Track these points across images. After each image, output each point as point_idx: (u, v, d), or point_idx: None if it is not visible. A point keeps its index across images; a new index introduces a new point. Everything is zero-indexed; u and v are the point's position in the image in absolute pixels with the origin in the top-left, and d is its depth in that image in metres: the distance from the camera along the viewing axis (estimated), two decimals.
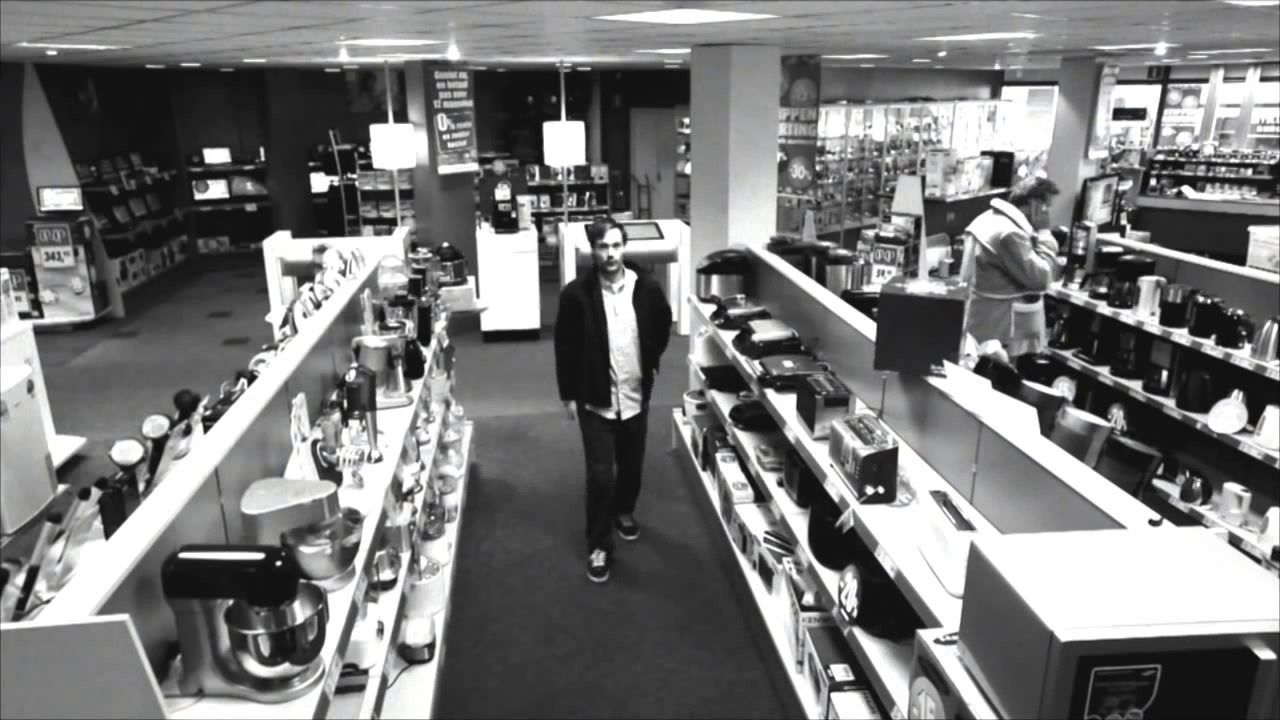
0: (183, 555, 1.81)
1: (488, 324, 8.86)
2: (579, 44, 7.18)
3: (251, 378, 3.16)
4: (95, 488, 2.29)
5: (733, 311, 5.11)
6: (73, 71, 10.21)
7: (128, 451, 2.42)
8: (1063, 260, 5.95)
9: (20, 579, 2.10)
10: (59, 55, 7.73)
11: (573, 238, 8.43)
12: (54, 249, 9.16)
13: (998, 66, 14.80)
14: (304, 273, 5.91)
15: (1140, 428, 5.33)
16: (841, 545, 3.07)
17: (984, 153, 12.54)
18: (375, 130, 8.94)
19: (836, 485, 3.05)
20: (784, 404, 3.82)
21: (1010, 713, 1.62)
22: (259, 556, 1.83)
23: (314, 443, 2.85)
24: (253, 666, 1.86)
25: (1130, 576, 1.65)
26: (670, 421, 6.28)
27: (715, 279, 5.71)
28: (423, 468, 4.01)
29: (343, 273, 4.72)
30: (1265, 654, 1.46)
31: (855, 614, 2.86)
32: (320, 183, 13.04)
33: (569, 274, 8.51)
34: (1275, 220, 8.73)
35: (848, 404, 3.47)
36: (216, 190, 12.63)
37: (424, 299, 4.85)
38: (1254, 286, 5.05)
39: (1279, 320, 4.51)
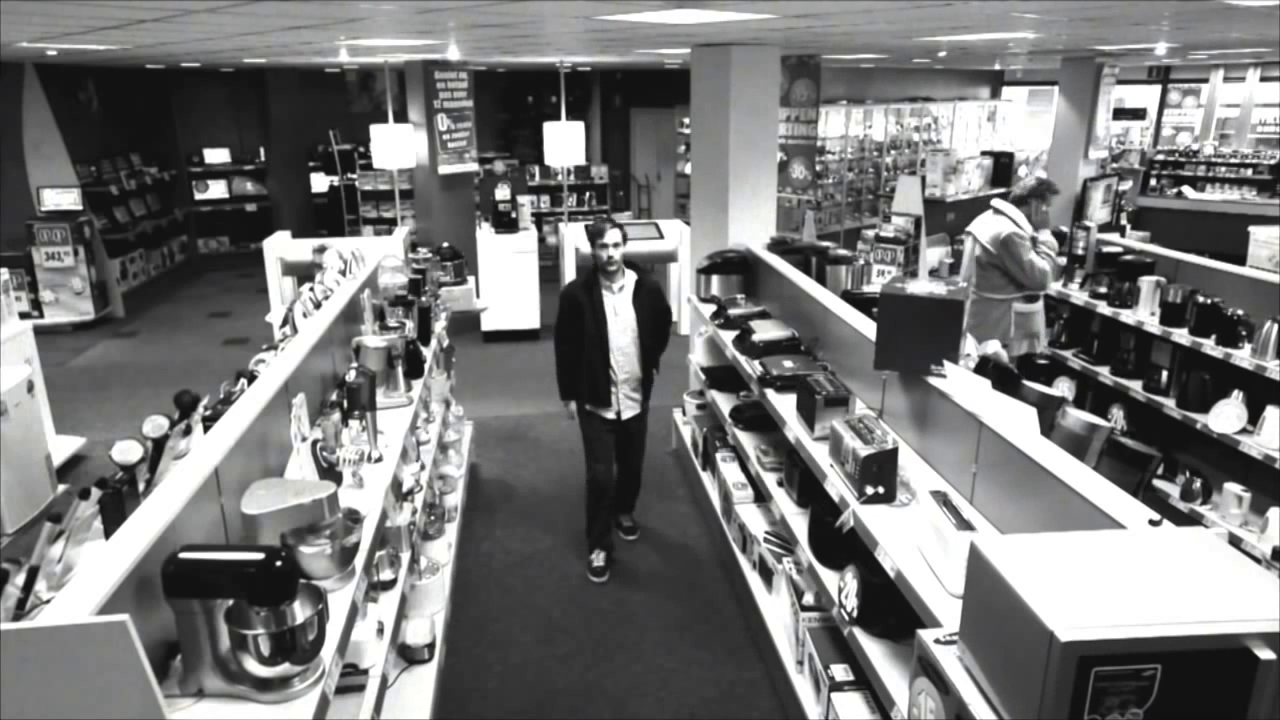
0: (183, 555, 1.81)
1: (488, 324, 8.86)
2: (579, 44, 7.18)
3: (251, 378, 3.16)
4: (95, 488, 2.29)
5: (733, 311, 5.11)
6: (73, 71, 10.21)
7: (128, 451, 2.42)
8: (1062, 260, 5.95)
9: (20, 579, 2.10)
10: (59, 55, 7.73)
11: (573, 238, 8.43)
12: (54, 249, 9.17)
13: (998, 66, 14.80)
14: (304, 273, 5.92)
15: (1140, 428, 5.33)
16: (841, 545, 3.07)
17: (984, 153, 12.54)
18: (375, 130, 8.94)
19: (836, 485, 3.05)
20: (784, 404, 3.83)
21: (1010, 713, 1.62)
22: (259, 556, 1.83)
23: (314, 443, 2.85)
24: (253, 666, 1.86)
25: (1130, 576, 1.65)
26: (670, 421, 6.28)
27: (715, 279, 5.71)
28: (423, 468, 4.01)
29: (343, 273, 4.72)
30: (1265, 654, 1.46)
31: (855, 614, 2.86)
32: (320, 183, 13.04)
33: (569, 274, 8.51)
34: (1275, 220, 8.73)
35: (848, 404, 3.47)
36: (216, 190, 12.64)
37: (424, 299, 4.85)
38: (1254, 286, 5.05)
39: (1279, 320, 4.51)
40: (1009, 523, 2.61)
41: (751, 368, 4.31)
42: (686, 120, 12.31)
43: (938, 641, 1.88)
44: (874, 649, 2.78)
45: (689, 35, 5.63)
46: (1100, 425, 2.84)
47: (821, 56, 8.26)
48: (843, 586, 2.96)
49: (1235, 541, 4.13)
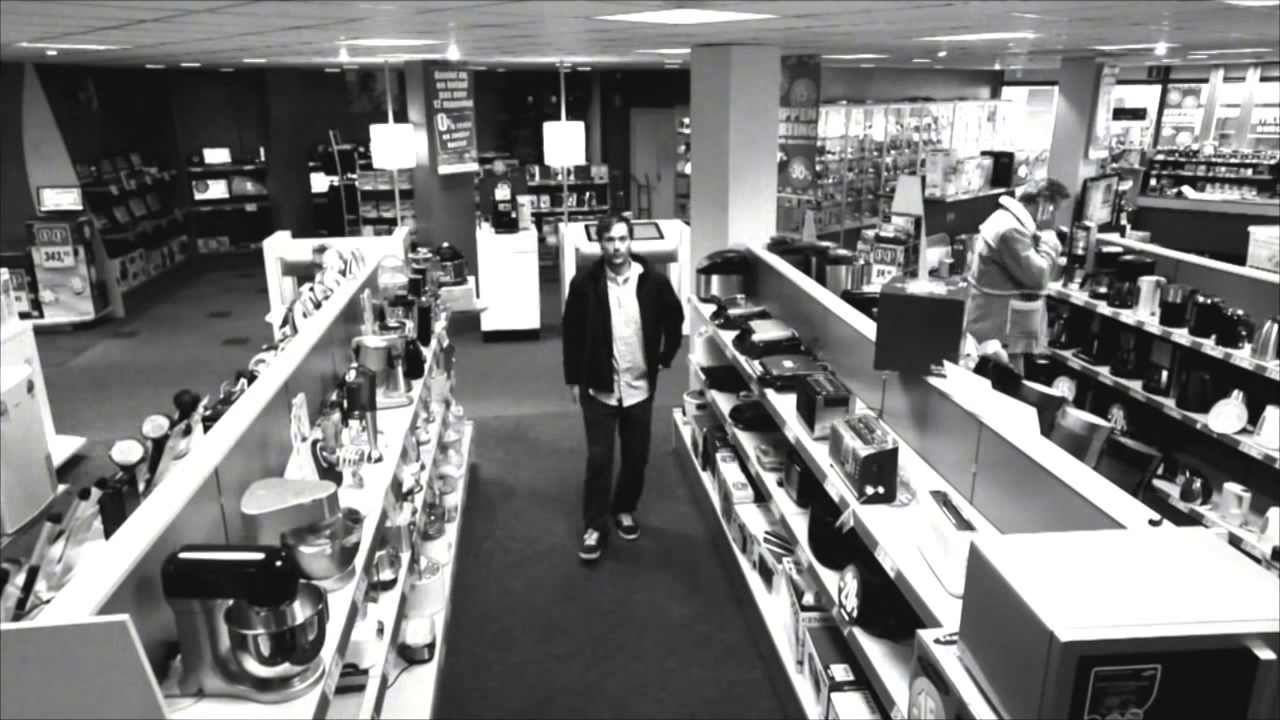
0: (183, 555, 1.81)
1: (488, 324, 8.86)
2: (579, 44, 7.18)
3: (251, 378, 3.16)
4: (95, 488, 2.29)
5: (733, 311, 5.11)
6: (73, 71, 10.21)
7: (128, 451, 2.42)
8: (1063, 261, 5.96)
9: (20, 579, 2.10)
10: (59, 55, 7.74)
11: (573, 238, 8.43)
12: (54, 249, 9.16)
13: (998, 66, 14.80)
14: (304, 273, 5.91)
15: (1140, 428, 5.33)
16: (841, 545, 3.07)
17: (984, 153, 12.54)
18: (375, 130, 8.94)
19: (836, 485, 3.05)
20: (784, 404, 3.83)
21: (1010, 713, 1.62)
22: (259, 556, 1.83)
23: (314, 443, 2.85)
24: (253, 666, 1.86)
25: (1130, 576, 1.65)
26: (670, 421, 6.28)
27: (715, 279, 5.71)
28: (423, 468, 4.01)
29: (343, 273, 4.72)
30: (1265, 654, 1.46)
31: (855, 614, 2.86)
32: (320, 183, 13.04)
33: (569, 274, 8.51)
34: (1275, 220, 8.73)
35: (848, 404, 3.47)
36: (216, 190, 12.63)
37: (424, 299, 4.85)
38: (1254, 286, 5.05)
39: (1279, 320, 4.51)
40: (1009, 523, 2.61)
41: (751, 368, 4.31)
42: (686, 120, 12.31)
43: (938, 641, 1.88)
44: (874, 649, 2.78)
45: (689, 35, 5.63)
46: (1100, 425, 2.84)
47: (821, 56, 8.26)
48: (843, 586, 2.96)
49: (1235, 541, 4.13)
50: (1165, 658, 1.48)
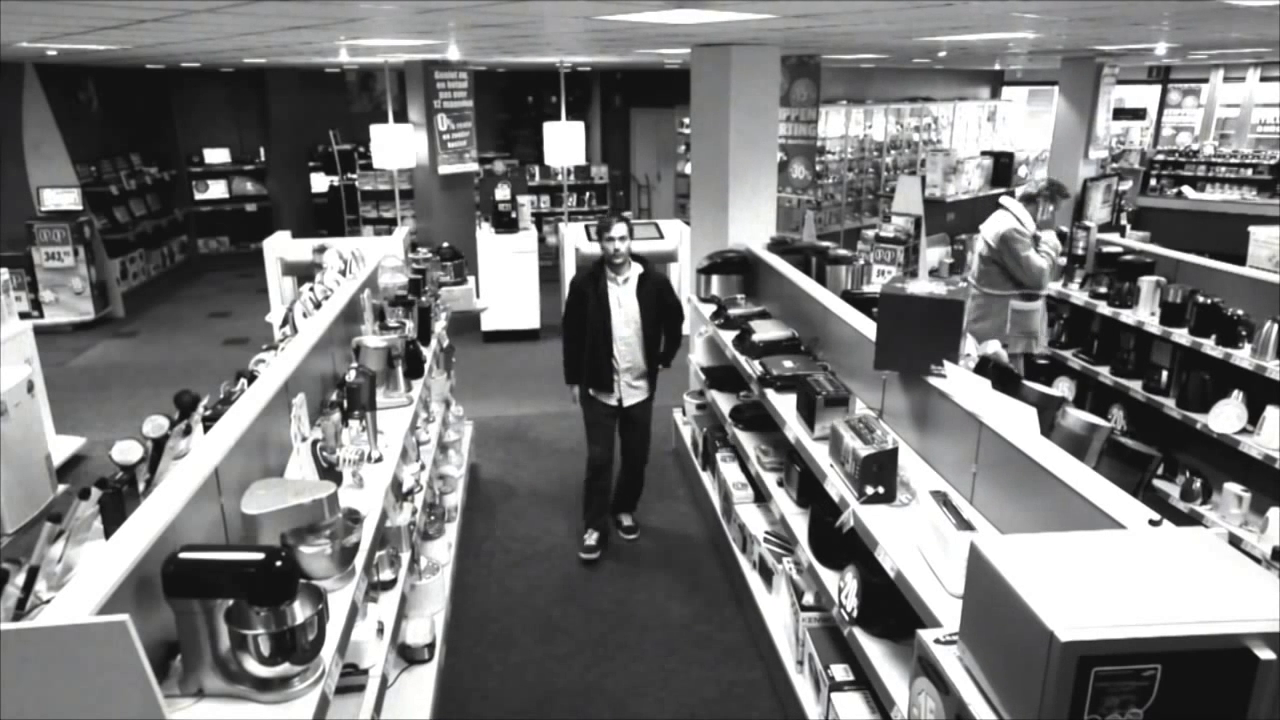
0: (183, 555, 1.81)
1: (488, 324, 8.86)
2: (579, 44, 7.18)
3: (251, 378, 3.16)
4: (95, 488, 2.29)
5: (733, 311, 5.11)
6: (73, 71, 10.21)
7: (128, 451, 2.42)
8: (1063, 261, 5.97)
9: (20, 579, 2.10)
10: (59, 55, 7.74)
11: (573, 238, 8.43)
12: (54, 249, 9.16)
13: (998, 66, 14.80)
14: (304, 273, 5.91)
15: (1140, 428, 5.33)
16: (841, 545, 3.07)
17: (984, 153, 12.55)
18: (375, 130, 8.94)
19: (836, 485, 3.05)
20: (784, 404, 3.83)
21: (1010, 713, 1.62)
22: (259, 556, 1.83)
23: (314, 443, 2.85)
24: (253, 666, 1.86)
25: (1130, 576, 1.65)
26: (670, 421, 6.28)
27: (715, 279, 5.71)
28: (423, 468, 4.01)
29: (343, 273, 4.72)
30: (1265, 654, 1.46)
31: (855, 614, 2.86)
32: (320, 183, 13.03)
33: (569, 274, 8.51)
34: (1275, 220, 8.73)
35: (848, 404, 3.47)
36: (216, 190, 12.63)
37: (424, 299, 4.85)
38: (1254, 286, 5.05)
39: (1279, 320, 4.51)
40: (1009, 523, 2.61)
41: (751, 368, 4.31)
42: (686, 120, 12.31)
43: (938, 641, 1.88)
44: (874, 649, 2.78)
45: (689, 35, 5.63)
46: (1100, 425, 2.84)
47: (821, 56, 8.26)
48: (843, 586, 2.96)
49: (1235, 541, 4.13)
50: (1165, 658, 1.48)
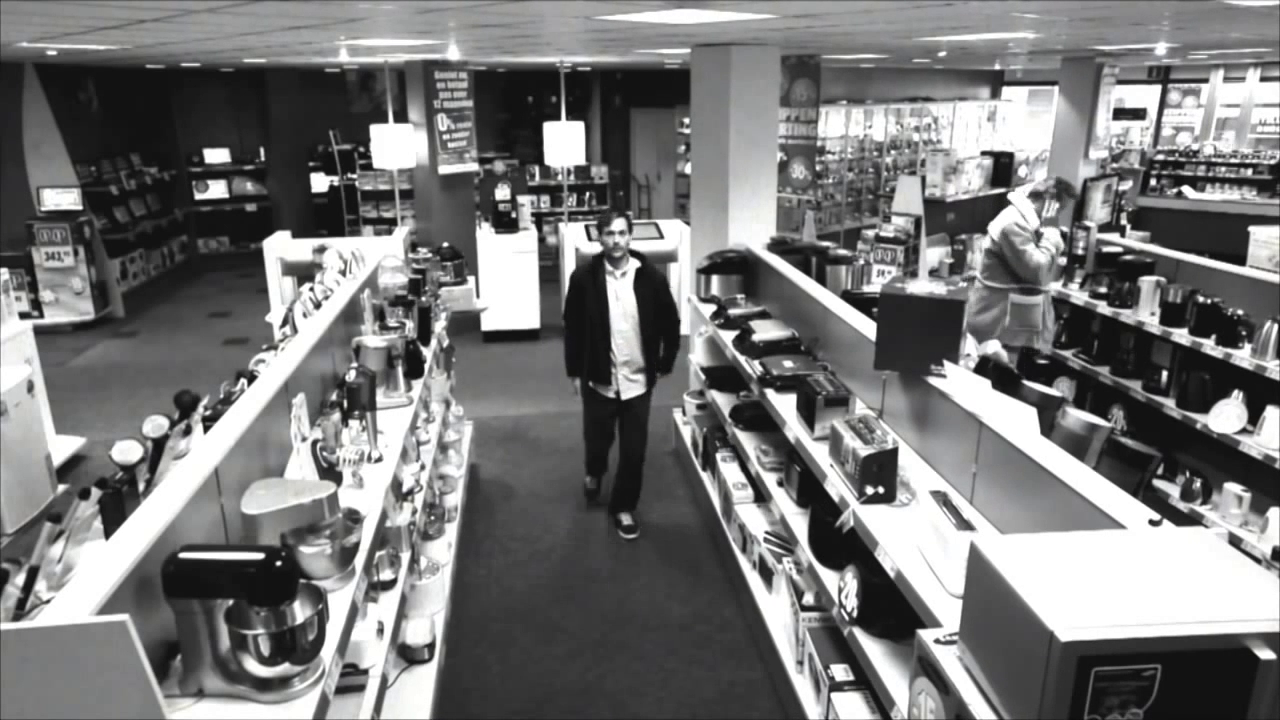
0: (183, 555, 1.81)
1: (488, 324, 8.86)
2: (579, 44, 7.18)
3: (251, 378, 3.16)
4: (95, 488, 2.29)
5: (733, 311, 5.11)
6: (73, 71, 10.21)
7: (128, 451, 2.42)
8: (1063, 260, 5.98)
9: (20, 579, 2.10)
10: (59, 55, 7.73)
11: (573, 238, 8.43)
12: (54, 249, 9.16)
13: (998, 66, 14.79)
14: (304, 273, 5.91)
15: (1140, 428, 5.33)
16: (841, 545, 3.07)
17: (984, 153, 12.54)
18: (375, 130, 8.93)
19: (836, 485, 3.05)
20: (784, 404, 3.83)
21: (1010, 713, 1.62)
22: (259, 556, 1.83)
23: (314, 443, 2.85)
24: (253, 666, 1.86)
25: (1130, 576, 1.65)
26: (670, 421, 6.28)
27: (715, 279, 5.71)
28: (423, 468, 4.01)
29: (343, 273, 4.72)
30: (1265, 654, 1.46)
31: (855, 614, 2.86)
32: (320, 183, 13.04)
33: (569, 274, 8.50)
34: (1275, 220, 8.73)
35: (848, 404, 3.47)
36: (216, 190, 12.63)
37: (424, 299, 4.85)
38: (1254, 286, 5.05)
39: (1279, 320, 4.51)
40: (1009, 523, 2.61)
41: (751, 368, 4.31)
42: (686, 120, 12.30)
43: (938, 641, 1.88)
44: (874, 649, 2.78)
45: (689, 35, 5.63)
46: (1100, 425, 2.84)
47: (821, 56, 8.25)
48: (843, 586, 2.96)
49: (1235, 541, 4.13)
50: (1165, 658, 1.48)
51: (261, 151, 12.89)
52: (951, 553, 2.36)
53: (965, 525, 2.45)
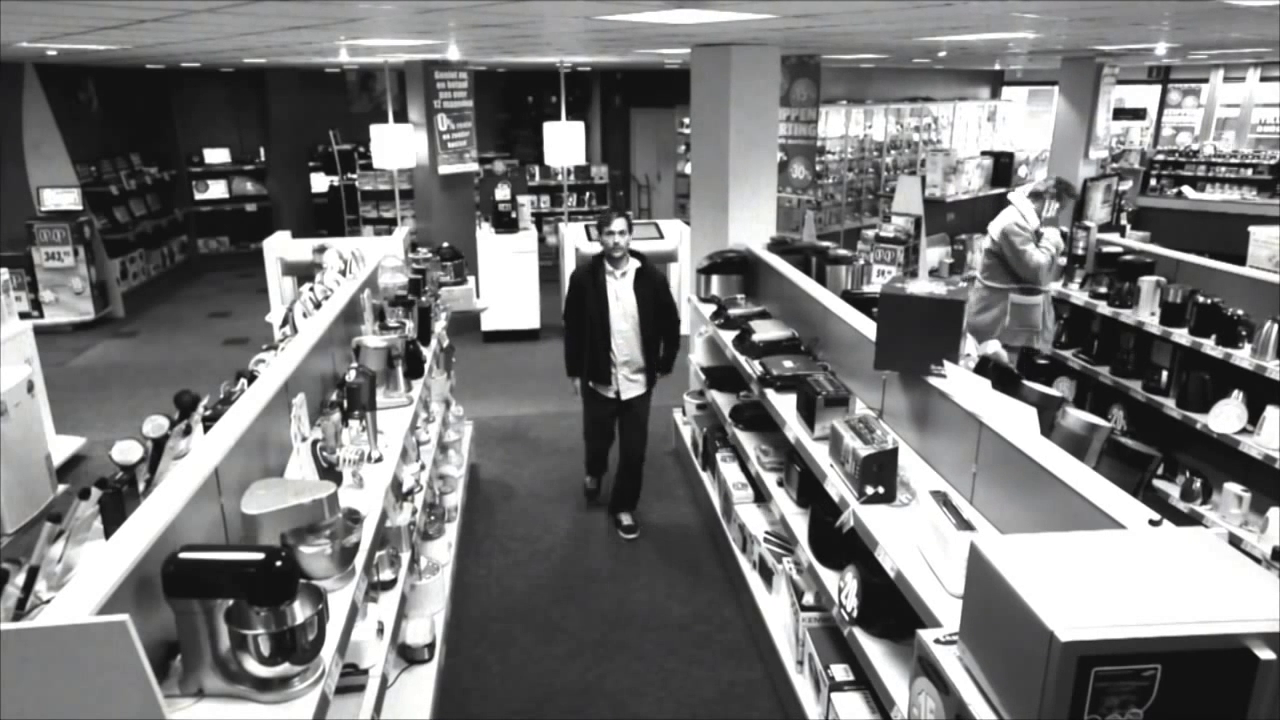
0: (183, 555, 1.81)
1: (488, 324, 8.86)
2: (579, 44, 7.18)
3: (251, 378, 3.16)
4: (95, 488, 2.29)
5: (733, 311, 5.11)
6: (73, 71, 10.21)
7: (128, 451, 2.42)
8: (1063, 260, 5.99)
9: (20, 579, 2.10)
10: (59, 55, 7.73)
11: (573, 238, 8.43)
12: (54, 249, 9.16)
13: (998, 66, 14.79)
14: (304, 273, 5.91)
15: (1140, 428, 5.33)
16: (841, 545, 3.07)
17: (984, 153, 12.53)
18: (375, 130, 8.93)
19: (836, 485, 3.05)
20: (784, 404, 3.83)
21: (1010, 713, 1.62)
22: (259, 556, 1.83)
23: (314, 443, 2.85)
24: (253, 666, 1.86)
25: (1130, 576, 1.65)
26: (670, 421, 6.28)
27: (715, 279, 5.71)
28: (423, 468, 4.01)
29: (343, 273, 4.72)
30: (1265, 654, 1.46)
31: (855, 614, 2.86)
32: (320, 183, 13.03)
33: (569, 274, 8.50)
34: (1275, 220, 8.73)
35: (848, 404, 3.47)
36: (216, 190, 12.63)
37: (424, 299, 4.85)
38: (1254, 286, 5.05)
39: (1279, 320, 4.51)
40: (1009, 523, 2.61)
41: (751, 368, 4.31)
42: (686, 120, 12.30)
43: (938, 641, 1.88)
44: (874, 649, 2.78)
45: (689, 35, 5.63)
46: (1100, 425, 2.84)
47: (821, 56, 8.25)
48: (843, 586, 2.96)
49: (1235, 541, 4.13)
50: (1165, 658, 1.48)
51: (261, 151, 12.89)
52: (951, 553, 2.36)
53: (965, 525, 2.45)
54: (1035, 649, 1.50)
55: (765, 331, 4.55)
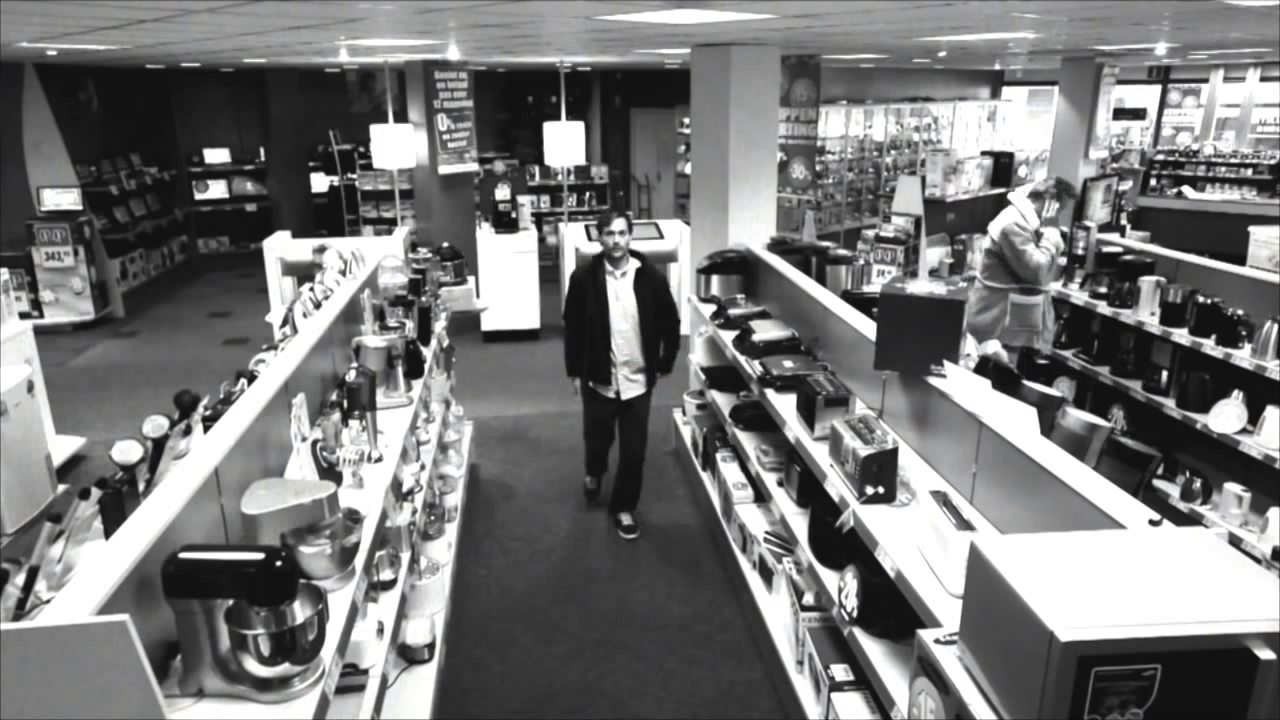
0: (183, 555, 1.81)
1: (488, 324, 8.86)
2: (579, 44, 7.18)
3: (251, 378, 3.16)
4: (95, 488, 2.29)
5: (733, 311, 5.11)
6: (73, 71, 10.21)
7: (128, 451, 2.42)
8: (1063, 260, 5.99)
9: (20, 579, 2.10)
10: (59, 55, 7.73)
11: (573, 238, 8.43)
12: (54, 249, 9.16)
13: (998, 66, 14.79)
14: (304, 273, 5.91)
15: (1140, 428, 5.33)
16: (841, 545, 3.07)
17: (984, 153, 12.54)
18: (375, 130, 8.93)
19: (836, 485, 3.05)
20: (784, 404, 3.82)
21: (1010, 713, 1.62)
22: (259, 556, 1.83)
23: (314, 443, 2.85)
24: (253, 666, 1.86)
25: (1130, 576, 1.65)
26: (670, 421, 6.28)
27: (715, 279, 5.71)
28: (423, 468, 4.01)
29: (343, 273, 4.72)
30: (1265, 654, 1.46)
31: (855, 614, 2.86)
32: (320, 183, 13.04)
33: (569, 274, 8.50)
34: (1275, 220, 8.73)
35: (848, 404, 3.47)
36: (216, 190, 12.63)
37: (424, 299, 4.85)
38: (1254, 286, 5.05)
39: (1279, 320, 4.51)
40: (1009, 523, 2.61)
41: (751, 368, 4.31)
42: (686, 120, 12.30)
43: (938, 641, 1.88)
44: (874, 649, 2.78)
45: (689, 35, 5.63)
46: (1100, 425, 2.84)
47: (821, 56, 8.25)
48: (843, 586, 2.96)
49: (1235, 541, 4.13)
50: (1165, 658, 1.48)
51: (261, 151, 12.89)
52: (951, 553, 2.36)
53: (965, 525, 2.45)
54: (1035, 649, 1.50)
55: (765, 331, 4.55)
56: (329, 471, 2.82)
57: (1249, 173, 13.10)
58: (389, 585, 3.14)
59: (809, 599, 3.43)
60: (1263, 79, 14.32)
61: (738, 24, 4.71)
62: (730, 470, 4.80)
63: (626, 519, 5.10)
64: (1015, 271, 5.57)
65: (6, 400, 4.75)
